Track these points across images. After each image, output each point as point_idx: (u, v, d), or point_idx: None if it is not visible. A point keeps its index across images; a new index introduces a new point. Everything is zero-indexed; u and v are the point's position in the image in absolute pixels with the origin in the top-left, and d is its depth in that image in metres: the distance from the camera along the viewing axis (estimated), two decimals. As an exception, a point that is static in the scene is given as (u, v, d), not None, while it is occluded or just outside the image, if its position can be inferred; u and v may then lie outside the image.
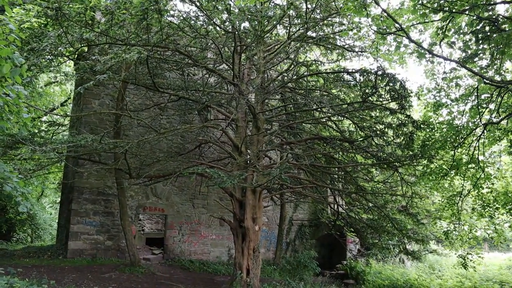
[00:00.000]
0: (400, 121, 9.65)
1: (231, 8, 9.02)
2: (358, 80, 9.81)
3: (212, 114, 13.67)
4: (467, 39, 7.45)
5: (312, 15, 9.10)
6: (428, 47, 8.46)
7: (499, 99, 8.10)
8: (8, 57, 4.27)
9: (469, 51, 7.39)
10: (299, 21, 9.49)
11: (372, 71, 8.96)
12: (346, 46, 10.97)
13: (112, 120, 11.54)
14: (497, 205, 10.79)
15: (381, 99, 9.45)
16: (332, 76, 11.16)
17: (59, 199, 15.78)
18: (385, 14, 6.59)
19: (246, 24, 9.76)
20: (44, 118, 17.89)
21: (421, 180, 11.02)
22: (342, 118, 11.10)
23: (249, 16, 8.78)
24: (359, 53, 10.99)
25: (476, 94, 8.48)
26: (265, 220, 15.48)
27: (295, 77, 10.98)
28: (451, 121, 9.85)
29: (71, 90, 19.04)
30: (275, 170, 7.79)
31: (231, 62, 9.37)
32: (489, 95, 8.56)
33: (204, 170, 8.07)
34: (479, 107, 8.49)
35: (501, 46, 6.57)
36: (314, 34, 10.39)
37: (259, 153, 9.72)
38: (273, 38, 11.07)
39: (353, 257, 16.86)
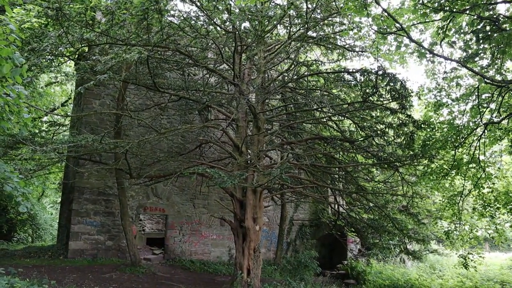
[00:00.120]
0: (400, 121, 9.65)
1: (232, 8, 9.03)
2: (358, 80, 9.79)
3: (212, 114, 13.67)
4: (468, 39, 7.45)
5: (312, 15, 9.10)
6: (428, 46, 8.45)
7: (500, 98, 8.10)
8: (9, 57, 4.27)
9: (470, 51, 7.39)
10: (299, 21, 9.48)
11: (373, 71, 8.94)
12: (347, 46, 10.96)
13: (113, 120, 11.55)
14: (498, 205, 10.80)
15: (381, 99, 9.45)
16: (332, 76, 11.16)
17: (60, 199, 15.78)
18: (386, 13, 6.59)
19: (246, 24, 9.76)
20: (45, 118, 17.95)
21: (421, 180, 11.03)
22: (343, 118, 11.10)
23: (249, 16, 8.78)
24: (360, 53, 10.98)
25: (476, 93, 8.48)
26: (265, 220, 15.48)
27: (295, 77, 10.97)
28: (451, 121, 9.85)
29: (71, 90, 19.06)
30: (275, 170, 7.78)
31: (231, 62, 9.37)
32: (490, 95, 8.55)
33: (205, 170, 8.07)
34: (479, 106, 8.49)
35: (501, 45, 6.57)
36: (314, 34, 10.38)
37: (259, 153, 9.72)
38: (273, 38, 11.06)
39: (353, 257, 16.85)
